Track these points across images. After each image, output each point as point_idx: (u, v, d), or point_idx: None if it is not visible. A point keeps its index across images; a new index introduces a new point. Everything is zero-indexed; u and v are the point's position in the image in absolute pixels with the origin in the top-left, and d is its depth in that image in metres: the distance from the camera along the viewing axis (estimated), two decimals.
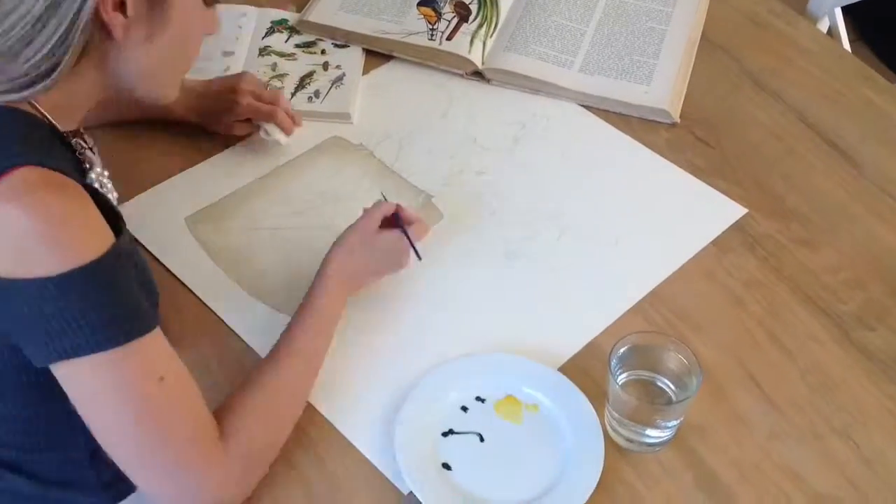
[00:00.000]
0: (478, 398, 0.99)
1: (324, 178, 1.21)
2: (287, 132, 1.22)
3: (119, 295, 0.80)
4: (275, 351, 0.96)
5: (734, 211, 1.20)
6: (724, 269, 1.14)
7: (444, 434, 0.96)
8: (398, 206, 1.07)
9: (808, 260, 1.15)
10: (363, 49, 1.38)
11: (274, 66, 1.34)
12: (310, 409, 0.99)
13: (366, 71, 1.37)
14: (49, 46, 0.78)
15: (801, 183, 1.24)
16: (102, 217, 0.82)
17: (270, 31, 1.39)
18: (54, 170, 0.79)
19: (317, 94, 1.31)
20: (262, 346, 1.04)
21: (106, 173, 0.93)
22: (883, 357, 1.05)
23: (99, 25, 0.81)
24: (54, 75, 0.80)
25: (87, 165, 0.90)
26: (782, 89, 1.37)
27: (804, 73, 1.40)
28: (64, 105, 0.86)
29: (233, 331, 1.06)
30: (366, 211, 1.07)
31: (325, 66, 1.35)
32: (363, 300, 1.08)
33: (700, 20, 1.45)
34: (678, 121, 1.31)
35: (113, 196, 0.93)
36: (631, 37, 1.40)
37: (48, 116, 0.85)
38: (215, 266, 1.12)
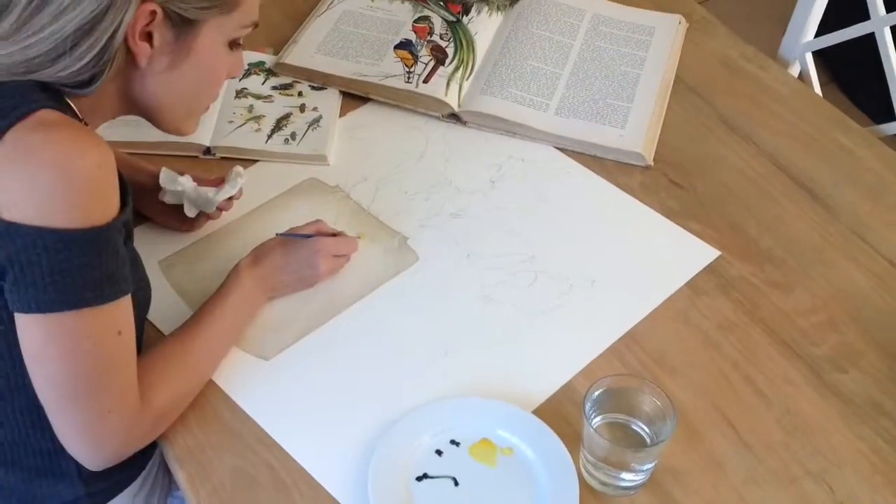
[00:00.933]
0: (452, 441, 0.98)
1: (299, 219, 1.20)
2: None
3: (114, 258, 0.86)
4: (186, 328, 1.01)
5: (708, 253, 1.21)
6: (698, 311, 1.14)
7: (419, 478, 0.95)
8: (319, 221, 1.14)
9: (782, 302, 1.15)
10: (340, 91, 1.39)
11: (250, 108, 1.34)
12: (282, 454, 0.99)
13: (343, 113, 1.37)
14: (77, 67, 0.85)
15: (775, 226, 1.25)
16: (116, 179, 0.86)
17: (247, 74, 1.40)
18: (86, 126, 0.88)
19: (293, 135, 1.31)
20: (234, 391, 1.03)
21: None
22: (856, 400, 1.06)
23: (125, 51, 0.88)
24: (82, 91, 0.87)
25: None
26: (754, 132, 1.38)
27: (776, 117, 1.41)
28: (86, 112, 0.92)
29: None
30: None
31: (302, 108, 1.36)
32: (340, 345, 1.08)
33: (673, 64, 1.47)
34: (652, 164, 1.32)
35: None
36: (605, 80, 1.42)
37: (79, 115, 0.90)
38: (189, 310, 1.11)
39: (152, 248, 1.16)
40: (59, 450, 0.93)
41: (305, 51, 1.43)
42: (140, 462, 1.08)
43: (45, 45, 0.84)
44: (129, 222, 0.91)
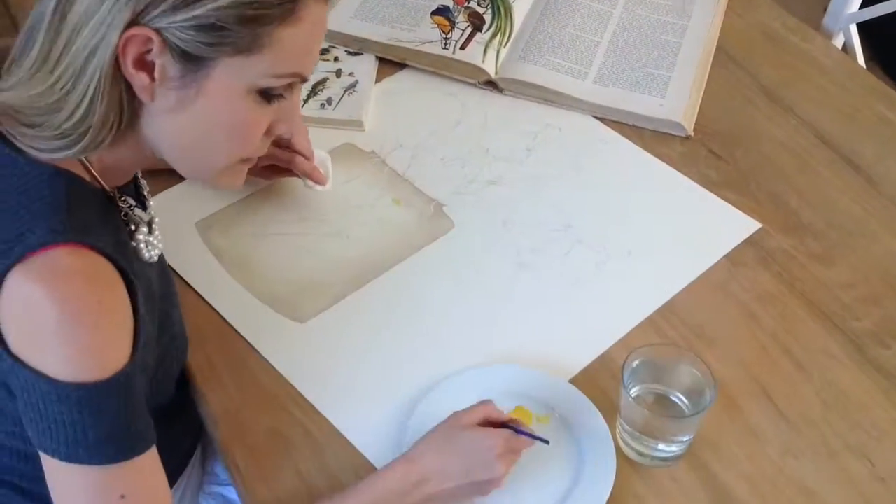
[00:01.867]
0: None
1: (335, 185, 1.20)
2: (319, 182, 1.16)
3: (115, 419, 0.76)
4: None
5: (748, 225, 1.19)
6: (737, 283, 1.12)
7: None
8: (514, 420, 0.93)
9: (823, 275, 1.14)
10: (376, 57, 1.38)
11: None
12: (317, 416, 0.99)
13: (379, 79, 1.36)
14: (81, 111, 0.75)
15: (816, 198, 1.23)
16: (130, 320, 0.78)
17: None
18: (95, 248, 0.76)
19: (329, 101, 1.30)
20: (268, 350, 1.03)
21: (157, 219, 0.90)
22: None
23: (126, 85, 0.77)
24: (88, 137, 0.77)
25: (133, 227, 0.86)
26: (797, 104, 1.36)
27: (819, 89, 1.39)
28: (114, 167, 0.83)
29: (240, 335, 1.05)
30: (467, 409, 0.93)
31: (338, 73, 1.35)
32: (376, 310, 1.07)
33: (715, 34, 1.44)
34: (692, 134, 1.30)
35: (157, 251, 0.89)
36: (646, 49, 1.40)
37: (98, 178, 0.81)
38: (224, 271, 1.11)
39: (188, 209, 1.16)
40: None
41: (342, 16, 1.41)
42: (176, 467, 1.07)
43: (44, 100, 0.75)
44: (140, 366, 0.80)
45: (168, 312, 0.94)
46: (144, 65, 0.75)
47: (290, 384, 1.01)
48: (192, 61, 0.75)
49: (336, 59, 1.37)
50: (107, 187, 0.83)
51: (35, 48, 0.76)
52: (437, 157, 1.26)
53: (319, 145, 1.25)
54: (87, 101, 0.75)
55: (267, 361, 1.03)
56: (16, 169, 0.78)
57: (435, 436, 0.91)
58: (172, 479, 1.05)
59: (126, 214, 0.85)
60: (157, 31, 0.73)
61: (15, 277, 0.73)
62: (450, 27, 1.40)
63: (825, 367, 1.04)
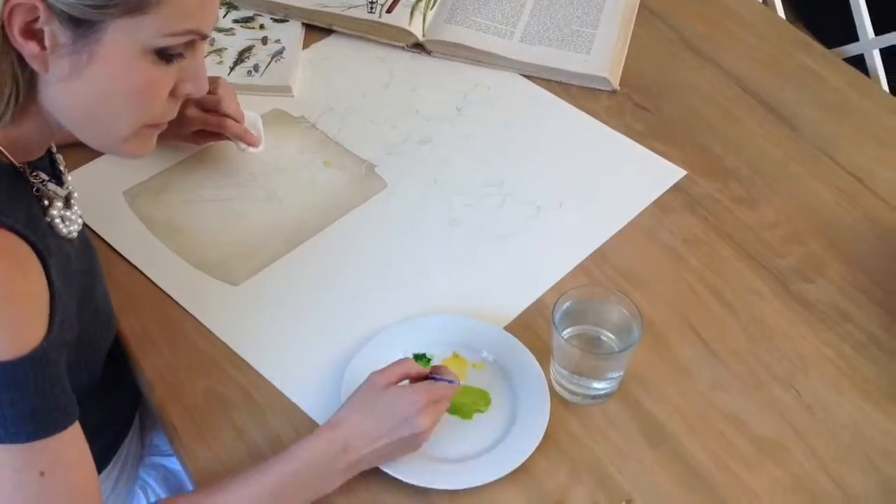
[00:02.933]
0: (424, 356, 0.99)
1: (265, 150, 1.20)
2: (252, 144, 1.16)
3: (34, 396, 0.75)
4: (228, 481, 0.87)
5: (674, 173, 1.21)
6: (665, 228, 1.15)
7: None
8: (406, 361, 0.95)
9: (747, 217, 1.16)
10: (303, 23, 1.38)
11: (212, 42, 1.33)
12: (254, 374, 0.99)
13: (306, 45, 1.36)
14: None
15: (740, 145, 1.26)
16: (45, 297, 0.77)
17: None
18: (4, 225, 0.74)
19: (256, 68, 1.30)
20: (203, 315, 1.03)
21: (75, 195, 0.88)
22: (822, 308, 1.07)
23: (17, 56, 0.74)
24: None
25: (47, 202, 0.84)
26: (719, 56, 1.39)
27: (740, 41, 1.42)
28: (21, 141, 0.80)
29: (176, 302, 1.05)
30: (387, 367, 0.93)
31: (265, 40, 1.34)
32: (311, 270, 1.08)
33: None
34: (618, 88, 1.32)
35: (75, 226, 0.86)
36: (570, 7, 1.41)
37: (5, 153, 0.79)
38: (155, 239, 1.10)
39: (115, 179, 1.15)
40: None
41: None
42: (116, 439, 1.07)
43: None
44: (60, 340, 0.79)
45: (90, 288, 0.91)
46: (33, 34, 0.73)
47: (227, 346, 1.01)
48: (81, 26, 0.73)
49: (262, 26, 1.36)
50: (15, 163, 0.81)
51: None
52: (367, 120, 1.27)
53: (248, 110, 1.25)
54: None
55: (203, 325, 1.03)
56: None
57: (355, 400, 0.91)
58: (109, 453, 1.05)
59: (38, 190, 0.83)
60: None
61: None
62: None
63: (751, 303, 1.07)
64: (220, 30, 1.35)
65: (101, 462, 1.00)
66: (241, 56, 1.31)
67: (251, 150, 1.16)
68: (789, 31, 1.46)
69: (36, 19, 0.72)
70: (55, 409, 0.77)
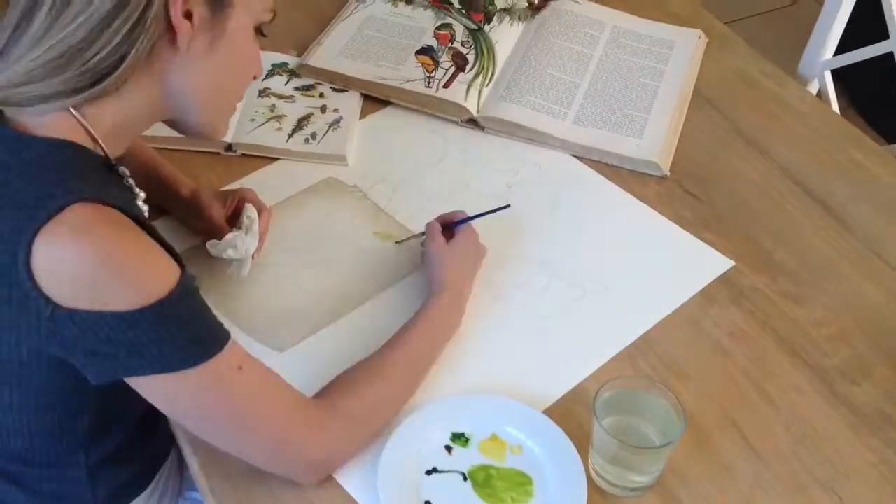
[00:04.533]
0: (462, 437, 0.99)
1: (316, 217, 1.22)
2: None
3: (190, 323, 0.82)
4: (384, 346, 1.02)
5: (721, 263, 1.21)
6: (710, 319, 1.15)
7: (428, 472, 0.96)
8: (447, 215, 1.17)
9: (794, 314, 1.16)
10: (361, 94, 1.41)
11: (272, 108, 1.36)
12: None
13: (363, 115, 1.39)
14: (112, 45, 0.80)
15: (789, 238, 1.26)
16: (163, 250, 0.83)
17: (270, 74, 1.42)
18: (111, 205, 0.80)
19: (314, 135, 1.33)
20: None
21: (143, 195, 0.94)
22: (867, 411, 1.06)
23: (165, 29, 0.82)
24: (116, 74, 0.81)
25: (135, 193, 0.91)
26: (771, 147, 1.39)
27: (793, 133, 1.42)
28: (119, 125, 0.86)
29: None
30: (427, 236, 1.15)
31: (323, 108, 1.37)
32: (355, 340, 1.08)
33: (692, 77, 1.48)
34: (668, 174, 1.33)
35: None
36: (624, 91, 1.43)
37: (101, 144, 0.85)
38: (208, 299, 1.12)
39: (173, 240, 1.15)
40: (77, 478, 0.95)
41: (328, 53, 1.44)
42: (151, 467, 1.08)
43: (80, 33, 0.79)
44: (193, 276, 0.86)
45: None
46: (187, 14, 0.83)
47: None
48: (217, 2, 0.85)
49: (321, 95, 1.40)
50: (110, 156, 0.87)
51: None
52: (418, 192, 1.29)
53: (303, 180, 1.28)
54: (124, 33, 0.79)
55: None
56: (20, 144, 0.82)
57: (440, 261, 1.10)
58: (145, 483, 1.07)
59: (127, 181, 0.90)
60: None
61: (45, 238, 0.76)
62: (433, 66, 1.43)
63: (795, 402, 1.06)
64: (280, 96, 1.39)
65: (140, 485, 1.05)
66: (300, 123, 1.34)
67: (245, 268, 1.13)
68: (842, 125, 1.46)
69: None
70: (218, 324, 0.86)
